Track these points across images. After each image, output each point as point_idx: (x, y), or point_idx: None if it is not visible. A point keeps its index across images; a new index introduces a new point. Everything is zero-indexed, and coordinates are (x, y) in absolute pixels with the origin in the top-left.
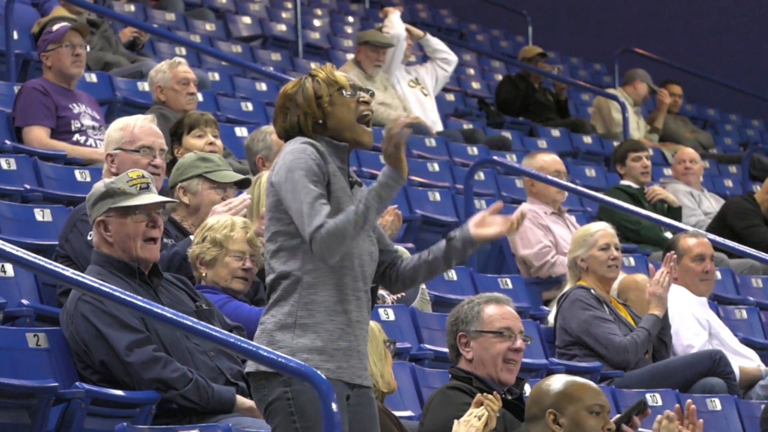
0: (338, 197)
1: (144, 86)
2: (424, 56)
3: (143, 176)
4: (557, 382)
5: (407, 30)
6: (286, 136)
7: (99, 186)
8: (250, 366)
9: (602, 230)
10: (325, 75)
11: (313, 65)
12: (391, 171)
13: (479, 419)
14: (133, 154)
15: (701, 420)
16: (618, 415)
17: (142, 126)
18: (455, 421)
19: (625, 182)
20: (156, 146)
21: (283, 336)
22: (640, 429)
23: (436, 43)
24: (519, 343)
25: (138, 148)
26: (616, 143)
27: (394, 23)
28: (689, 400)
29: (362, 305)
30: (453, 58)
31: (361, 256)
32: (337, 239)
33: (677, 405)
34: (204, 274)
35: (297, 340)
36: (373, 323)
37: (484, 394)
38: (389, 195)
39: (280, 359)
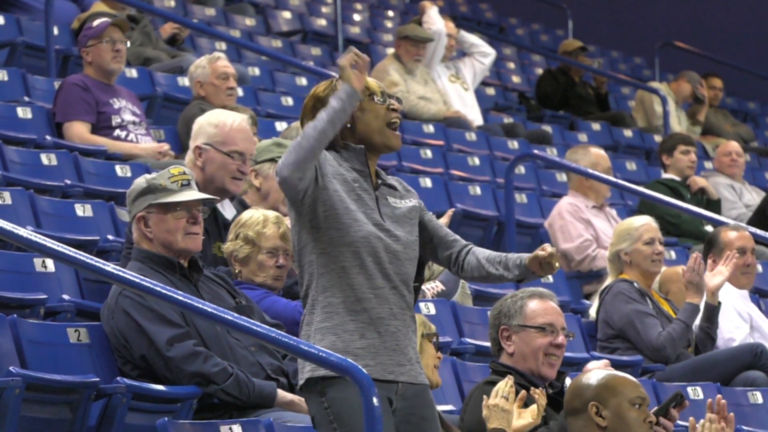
0: (341, 197)
1: (184, 81)
2: (462, 51)
3: (184, 173)
4: (597, 375)
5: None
6: None
7: (140, 182)
8: (300, 380)
9: (646, 224)
10: None
11: None
12: (344, 86)
13: (507, 400)
14: (223, 156)
15: (732, 414)
16: (655, 408)
17: (238, 128)
18: (483, 407)
19: (667, 175)
20: (247, 152)
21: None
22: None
23: (470, 38)
24: (561, 338)
25: (230, 152)
26: (657, 137)
27: (434, 19)
28: (719, 395)
29: (387, 302)
30: (490, 50)
31: (376, 253)
32: (292, 149)
33: (709, 400)
34: (239, 271)
35: (318, 345)
36: (418, 316)
37: (532, 389)
38: (342, 107)
39: (321, 353)
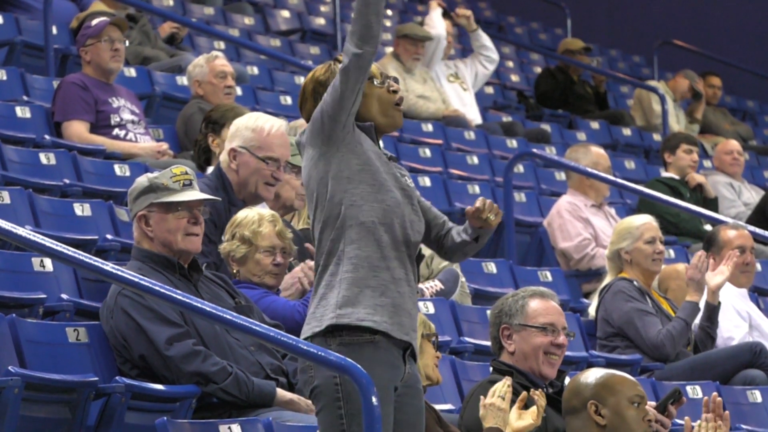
0: (373, 157)
1: (183, 80)
2: (463, 50)
3: (186, 173)
4: (595, 374)
5: (465, 18)
6: None
7: (142, 180)
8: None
9: (647, 223)
10: None
11: None
12: None
13: (503, 399)
14: (258, 161)
15: (727, 411)
16: (653, 404)
17: (276, 134)
18: (480, 405)
19: (667, 174)
20: (283, 158)
21: (331, 293)
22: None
23: (485, 39)
24: (562, 338)
25: (265, 157)
26: (656, 135)
27: (435, 22)
28: (714, 393)
29: (405, 265)
30: (496, 57)
31: (402, 217)
32: (352, 32)
33: (705, 398)
34: (236, 271)
35: (342, 293)
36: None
37: (532, 390)
38: None
39: (319, 353)
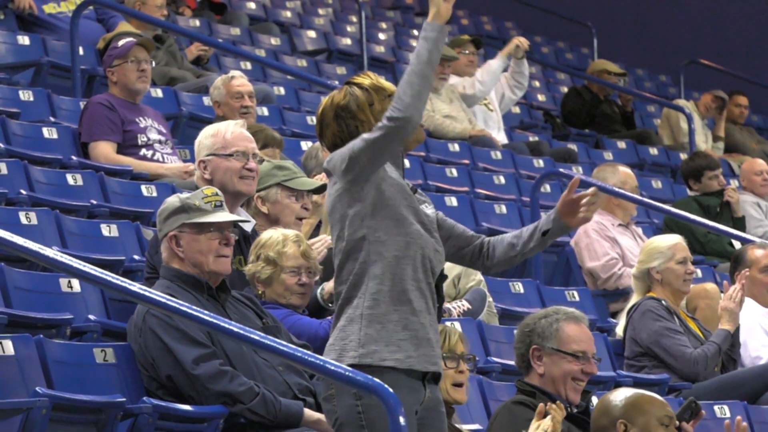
0: (397, 191)
1: (209, 101)
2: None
3: (217, 194)
4: (624, 394)
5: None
6: (340, 145)
7: (173, 200)
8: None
9: (678, 243)
10: (371, 82)
11: None
12: (433, 24)
13: None
14: (227, 158)
15: None
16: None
17: (234, 131)
18: None
19: (695, 193)
20: (249, 150)
21: (352, 328)
22: None
23: (525, 68)
24: (593, 367)
25: (232, 152)
26: (683, 155)
27: (488, 78)
28: (739, 417)
29: (425, 295)
30: (526, 85)
31: (424, 249)
32: (401, 98)
33: (726, 421)
34: (262, 292)
35: (364, 331)
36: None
37: (548, 404)
38: (436, 46)
39: (347, 373)
